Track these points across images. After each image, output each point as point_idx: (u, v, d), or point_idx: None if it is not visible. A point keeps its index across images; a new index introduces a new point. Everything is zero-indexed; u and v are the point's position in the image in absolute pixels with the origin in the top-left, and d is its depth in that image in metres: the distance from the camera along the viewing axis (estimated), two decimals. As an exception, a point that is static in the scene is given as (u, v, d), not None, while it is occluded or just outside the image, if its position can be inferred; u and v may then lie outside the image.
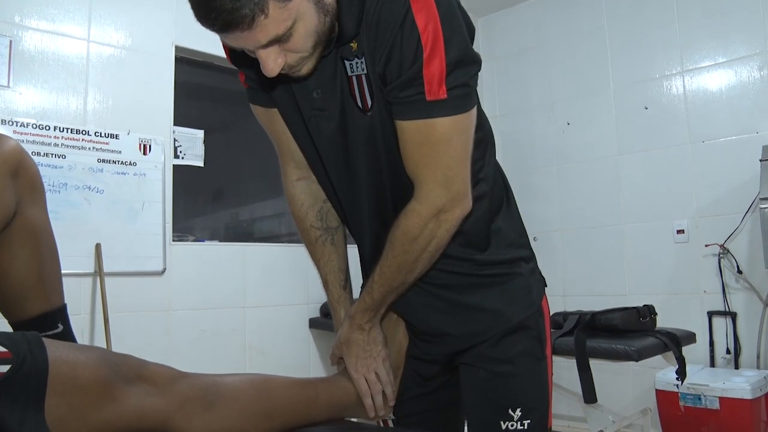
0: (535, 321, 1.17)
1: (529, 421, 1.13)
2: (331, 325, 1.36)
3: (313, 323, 3.40)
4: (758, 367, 3.21)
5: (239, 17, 0.85)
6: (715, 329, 3.37)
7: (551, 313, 2.67)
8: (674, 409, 3.10)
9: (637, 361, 2.38)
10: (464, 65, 0.97)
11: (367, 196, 1.14)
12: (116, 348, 2.53)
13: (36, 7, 2.67)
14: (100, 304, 2.64)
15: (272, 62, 0.93)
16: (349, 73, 1.02)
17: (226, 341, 3.09)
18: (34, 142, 2.59)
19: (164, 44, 3.02)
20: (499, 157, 1.25)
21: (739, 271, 3.28)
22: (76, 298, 2.63)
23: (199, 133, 3.15)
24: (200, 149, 3.15)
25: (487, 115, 1.21)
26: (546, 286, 1.24)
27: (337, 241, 1.29)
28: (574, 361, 2.45)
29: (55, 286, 1.22)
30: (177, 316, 2.94)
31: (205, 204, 3.40)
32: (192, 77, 3.26)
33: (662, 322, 2.85)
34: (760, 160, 3.08)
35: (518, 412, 1.13)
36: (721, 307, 3.35)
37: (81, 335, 2.59)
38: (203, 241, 3.20)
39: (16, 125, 2.57)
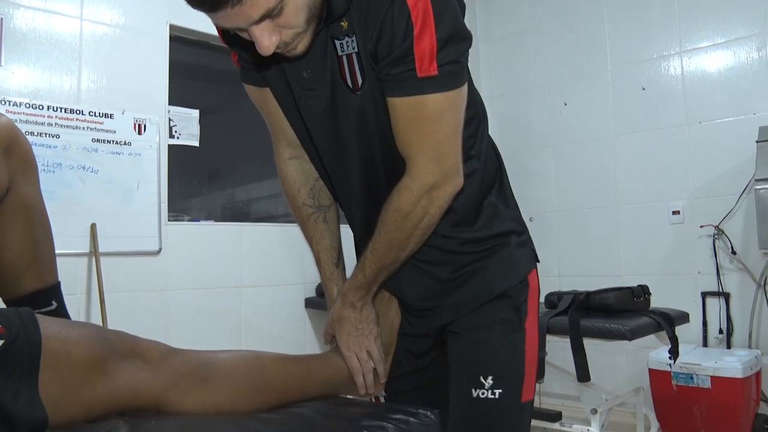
0: (517, 292, 1.18)
1: (500, 390, 1.14)
2: (326, 304, 1.37)
3: (309, 303, 3.41)
4: (750, 347, 3.24)
5: None
6: (708, 310, 3.39)
7: (546, 293, 2.73)
8: (666, 388, 3.13)
9: (630, 340, 2.40)
10: (455, 42, 0.96)
11: (358, 175, 1.15)
12: (112, 327, 2.54)
13: (28, -16, 2.64)
14: (95, 284, 2.64)
15: (267, 40, 0.92)
16: (339, 53, 1.02)
17: (223, 321, 3.11)
18: (27, 121, 2.58)
19: (159, 23, 3.00)
20: (495, 138, 1.25)
21: (733, 252, 3.30)
22: (72, 278, 2.64)
23: (194, 113, 3.14)
24: (195, 129, 3.13)
25: (484, 95, 1.21)
26: (538, 261, 1.24)
27: (329, 218, 1.29)
28: (568, 340, 2.47)
29: (49, 263, 1.23)
30: (173, 296, 2.95)
31: (201, 185, 3.40)
32: (187, 57, 3.24)
33: (656, 303, 2.86)
34: (757, 141, 3.08)
35: (489, 380, 1.14)
36: (714, 288, 3.37)
37: (77, 315, 2.60)
38: (198, 221, 3.20)
39: (9, 105, 2.55)
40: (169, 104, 3.03)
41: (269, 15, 0.90)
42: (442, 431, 1.00)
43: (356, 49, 1.00)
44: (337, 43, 1.01)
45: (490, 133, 1.23)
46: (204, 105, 3.20)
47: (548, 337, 2.54)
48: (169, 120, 3.03)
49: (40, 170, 2.58)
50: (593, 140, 3.85)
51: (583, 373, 2.47)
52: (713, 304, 3.38)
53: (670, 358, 2.59)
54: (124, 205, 2.82)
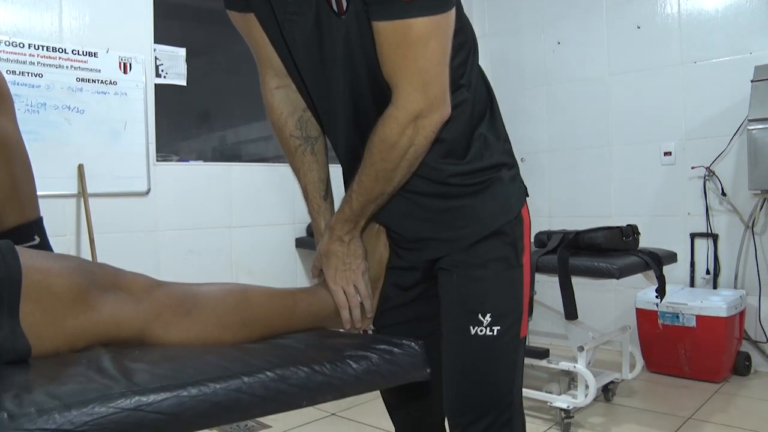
0: (512, 228, 1.17)
1: (498, 327, 1.14)
2: (314, 240, 1.36)
3: (300, 242, 3.42)
4: (735, 287, 3.29)
5: None
6: (696, 251, 3.42)
7: (536, 232, 2.74)
8: (653, 327, 3.19)
9: (618, 278, 2.42)
10: None
11: (344, 104, 1.12)
12: (103, 267, 2.55)
13: None
14: (85, 226, 2.63)
15: None
16: None
17: (214, 261, 3.12)
18: (8, 60, 2.51)
19: (141, -44, 2.90)
20: (487, 76, 1.22)
21: (723, 194, 3.31)
22: (61, 219, 2.62)
23: (181, 51, 3.07)
24: (182, 68, 3.07)
25: (476, 34, 1.17)
26: (527, 195, 1.23)
27: (317, 150, 1.27)
28: (557, 278, 2.49)
29: (30, 198, 1.21)
30: (163, 237, 2.95)
31: (191, 126, 3.35)
32: (172, -7, 3.15)
33: (645, 243, 2.89)
34: (752, 81, 3.05)
35: (488, 318, 1.13)
36: (703, 229, 3.39)
37: (67, 255, 2.59)
38: (188, 161, 3.17)
39: (-11, 41, 2.49)
40: (154, 42, 2.95)
41: None
42: (427, 362, 1.00)
43: None
44: None
45: (480, 72, 1.20)
46: (192, 45, 3.13)
47: (537, 276, 2.56)
48: (155, 59, 2.97)
49: (23, 110, 2.53)
50: (586, 80, 3.80)
51: (570, 311, 2.50)
52: (701, 245, 3.41)
53: (657, 297, 2.62)
54: (112, 145, 2.78)
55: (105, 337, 0.90)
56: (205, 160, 3.29)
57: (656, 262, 2.58)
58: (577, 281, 2.53)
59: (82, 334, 0.88)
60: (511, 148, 1.22)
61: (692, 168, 3.38)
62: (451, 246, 1.17)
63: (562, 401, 2.56)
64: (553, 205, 3.96)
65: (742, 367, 3.16)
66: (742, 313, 3.15)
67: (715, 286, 3.35)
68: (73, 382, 0.73)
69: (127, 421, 0.70)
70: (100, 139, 2.75)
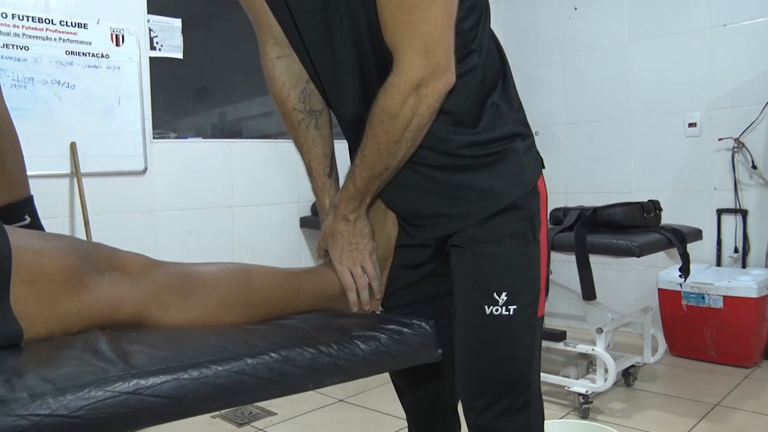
0: (528, 201, 1.15)
1: (515, 306, 1.13)
2: (319, 219, 1.36)
3: (304, 222, 3.43)
4: (767, 266, 3.26)
5: None
6: (723, 227, 3.40)
7: (552, 209, 2.72)
8: (676, 308, 3.18)
9: (638, 257, 2.41)
10: None
11: (350, 76, 1.11)
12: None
13: None
14: (79, 207, 2.64)
15: None
16: None
17: (214, 242, 3.13)
18: (-7, 31, 2.51)
19: None
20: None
21: (754, 167, 3.27)
22: (53, 200, 2.63)
23: (176, 22, 3.05)
24: (178, 40, 3.05)
25: (487, -1, 1.15)
26: (543, 167, 1.22)
27: (321, 125, 1.26)
28: (574, 257, 2.48)
29: (19, 176, 1.21)
30: (162, 217, 2.95)
31: (189, 102, 3.34)
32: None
33: (668, 220, 2.87)
34: (784, 45, 3.00)
35: (503, 296, 1.13)
36: (731, 205, 3.36)
37: (61, 237, 2.61)
38: (186, 138, 3.16)
39: (-26, 13, 2.48)
40: (148, 13, 2.93)
41: None
42: (438, 342, 1.00)
43: None
44: None
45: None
46: (188, 15, 3.11)
47: (553, 255, 2.56)
48: (149, 30, 2.95)
49: (9, 86, 2.52)
50: (605, 48, 3.76)
51: (588, 291, 2.50)
52: (729, 221, 3.38)
53: (680, 276, 2.61)
54: (105, 122, 2.78)
55: (101, 320, 0.90)
56: (204, 137, 3.29)
57: (680, 239, 2.57)
58: (595, 260, 2.52)
59: (76, 317, 0.88)
60: (525, 117, 1.21)
61: (719, 140, 3.34)
62: (463, 221, 1.16)
63: (580, 386, 2.57)
64: (570, 180, 3.94)
65: (773, 350, 3.15)
66: (772, 293, 3.13)
67: (744, 265, 3.33)
68: (68, 366, 0.73)
69: (126, 405, 0.71)
70: (93, 116, 2.75)
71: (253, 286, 1.05)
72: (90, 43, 2.75)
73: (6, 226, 0.86)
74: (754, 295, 2.96)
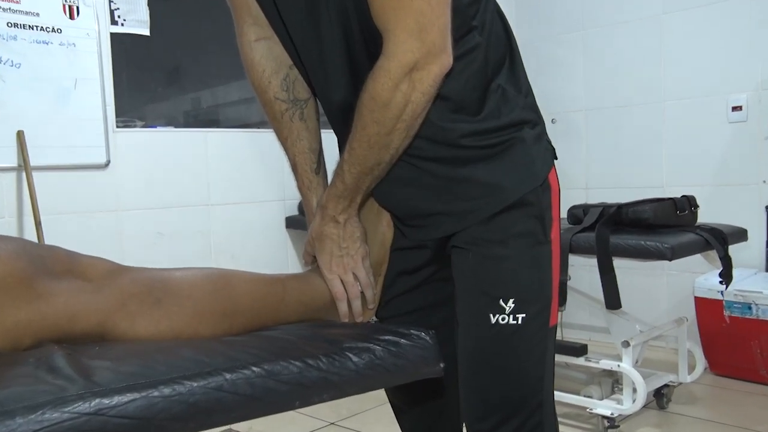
0: (538, 197, 1.17)
1: (524, 315, 1.15)
2: (306, 220, 1.38)
3: (291, 222, 3.44)
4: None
5: None
6: (773, 227, 3.38)
7: (570, 206, 2.74)
8: (717, 320, 3.16)
9: (670, 260, 2.42)
10: None
11: (336, 58, 1.13)
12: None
13: None
14: (28, 205, 2.64)
15: None
16: None
17: (189, 245, 3.14)
18: None
19: None
20: (509, 22, 1.21)
21: (810, 158, 3.26)
22: (-2, 197, 2.64)
23: (142, -7, 3.05)
24: (144, 13, 3.06)
25: (494, -33, 1.16)
26: (556, 157, 1.23)
27: (307, 115, 1.28)
28: (595, 260, 2.49)
29: None
30: (128, 218, 2.96)
31: (158, 85, 3.35)
32: None
33: (706, 218, 2.86)
34: None
35: (510, 304, 1.14)
36: (783, 201, 3.35)
37: (13, 240, 2.61)
38: (155, 127, 3.17)
39: None
40: (109, -18, 2.94)
41: None
42: (440, 355, 1.02)
43: None
44: None
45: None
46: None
47: (572, 258, 2.56)
48: (110, 2, 2.95)
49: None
50: (634, 21, 3.76)
51: (612, 300, 2.51)
52: (779, 220, 3.37)
53: (721, 282, 2.61)
54: (60, 108, 2.77)
55: (57, 333, 0.91)
56: (175, 126, 3.29)
57: (719, 240, 2.57)
58: (620, 264, 2.53)
59: (27, 329, 0.89)
60: (534, 102, 1.22)
61: (769, 126, 3.33)
62: (465, 220, 1.17)
63: (604, 407, 2.59)
64: (591, 174, 3.96)
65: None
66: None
67: (797, 270, 3.32)
68: (18, 385, 0.74)
69: (86, 427, 0.71)
70: (45, 101, 2.73)
71: (233, 293, 1.06)
72: (37, 14, 2.72)
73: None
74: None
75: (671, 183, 3.65)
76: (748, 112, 3.41)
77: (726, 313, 3.13)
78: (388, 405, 1.44)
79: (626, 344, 2.59)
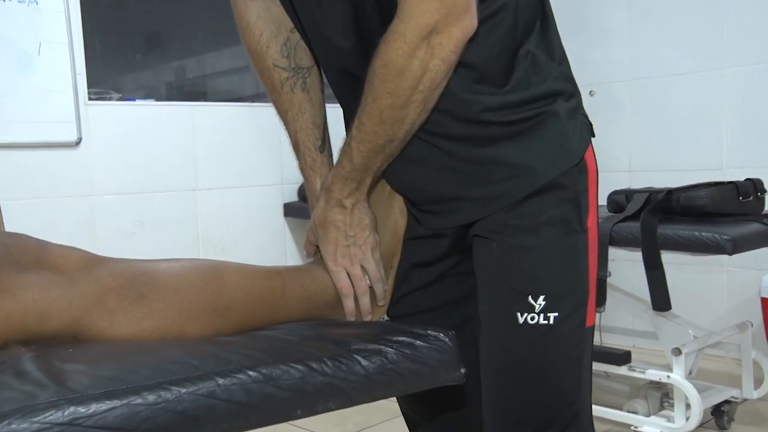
0: (573, 179, 1.17)
1: (556, 314, 1.15)
2: (308, 206, 1.39)
3: (289, 210, 3.45)
4: None
5: None
6: None
7: (611, 191, 2.73)
8: (788, 325, 3.14)
9: (731, 254, 2.40)
10: None
11: (338, 17, 1.14)
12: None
13: None
14: (-14, 188, 2.66)
15: None
16: None
17: (173, 235, 3.16)
18: None
19: None
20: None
21: None
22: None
23: (118, -55, 3.06)
24: (121, -32, 3.07)
25: None
26: (593, 134, 1.24)
27: (310, 85, 1.29)
28: (640, 253, 2.48)
29: None
30: (103, 203, 2.98)
31: (136, 52, 3.36)
32: None
33: (775, 205, 2.85)
34: None
35: (541, 301, 1.15)
36: None
37: (-29, 230, 2.64)
38: (133, 100, 3.19)
39: None
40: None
41: None
42: (461, 359, 1.03)
43: None
44: None
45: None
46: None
47: (612, 251, 2.55)
48: (80, -49, 2.95)
49: None
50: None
51: (660, 300, 2.50)
52: None
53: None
54: (21, 77, 2.78)
55: (25, 333, 0.92)
56: (157, 99, 3.31)
57: (791, 231, 2.56)
58: (670, 258, 2.53)
59: None
60: (569, 70, 1.23)
61: None
62: (489, 206, 1.18)
63: (652, 425, 2.58)
64: (636, 154, 3.94)
65: None
66: None
67: None
68: (-19, 392, 0.74)
69: (59, 439, 0.71)
70: (3, 68, 2.74)
71: (225, 288, 1.07)
72: (-7, -33, 2.72)
73: None
74: None
75: (732, 164, 3.62)
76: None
77: (799, 317, 3.12)
78: (401, 418, 1.45)
79: (677, 352, 2.58)
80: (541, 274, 1.16)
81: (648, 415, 2.67)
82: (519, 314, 1.16)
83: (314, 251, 1.30)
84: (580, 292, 1.19)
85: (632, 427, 2.62)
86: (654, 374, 2.63)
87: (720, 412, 2.83)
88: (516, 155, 1.16)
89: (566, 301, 1.17)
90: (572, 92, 1.22)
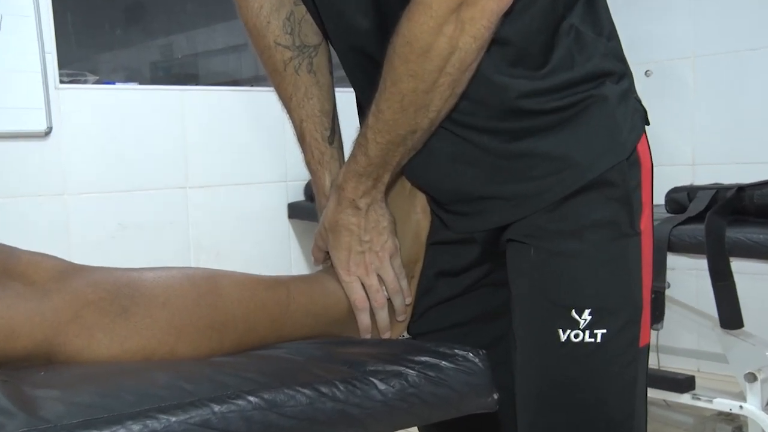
0: (623, 175, 1.17)
1: (604, 330, 1.15)
2: (316, 206, 1.40)
3: (294, 210, 3.46)
4: None
5: None
6: None
7: (669, 189, 2.73)
8: None
9: (816, 264, 2.41)
10: None
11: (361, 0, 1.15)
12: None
13: None
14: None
15: None
16: None
17: (160, 239, 3.17)
18: None
19: None
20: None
21: None
22: None
23: None
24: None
25: None
26: (648, 122, 1.24)
27: (317, 66, 1.30)
28: (705, 261, 2.48)
29: None
30: (78, 203, 2.98)
31: (116, 28, 3.38)
32: None
33: None
34: None
35: (586, 315, 1.15)
36: None
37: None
38: (112, 83, 3.20)
39: None
40: None
41: None
42: (493, 383, 1.03)
43: None
44: None
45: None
46: None
47: (671, 258, 2.55)
48: None
49: None
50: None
51: (730, 317, 2.50)
52: None
53: None
54: (-20, 56, 2.79)
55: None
56: (140, 83, 3.33)
57: None
58: (741, 267, 2.52)
59: None
60: (620, 47, 1.23)
61: None
62: (525, 206, 1.19)
63: (720, 462, 2.58)
64: (700, 145, 3.93)
65: None
66: None
67: None
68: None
69: (30, 475, 0.72)
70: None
71: (221, 300, 1.08)
72: None
73: None
74: None
75: (817, 156, 3.61)
76: None
77: None
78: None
79: (752, 378, 2.57)
80: (585, 285, 1.16)
81: (715, 452, 2.68)
82: (561, 331, 1.16)
83: (323, 258, 1.31)
84: (631, 305, 1.18)
85: (697, 466, 2.63)
86: (723, 404, 2.61)
87: (804, 449, 2.84)
88: (557, 148, 1.16)
89: (616, 315, 1.17)
90: (623, 72, 1.21)
